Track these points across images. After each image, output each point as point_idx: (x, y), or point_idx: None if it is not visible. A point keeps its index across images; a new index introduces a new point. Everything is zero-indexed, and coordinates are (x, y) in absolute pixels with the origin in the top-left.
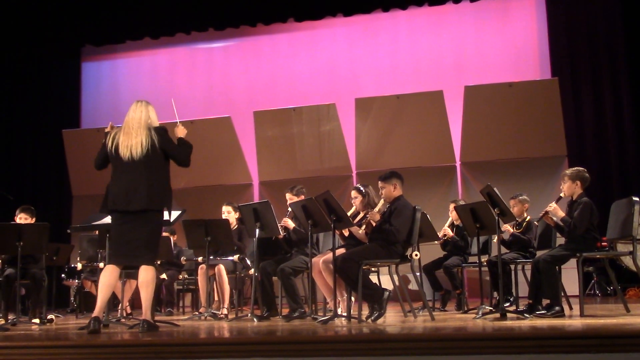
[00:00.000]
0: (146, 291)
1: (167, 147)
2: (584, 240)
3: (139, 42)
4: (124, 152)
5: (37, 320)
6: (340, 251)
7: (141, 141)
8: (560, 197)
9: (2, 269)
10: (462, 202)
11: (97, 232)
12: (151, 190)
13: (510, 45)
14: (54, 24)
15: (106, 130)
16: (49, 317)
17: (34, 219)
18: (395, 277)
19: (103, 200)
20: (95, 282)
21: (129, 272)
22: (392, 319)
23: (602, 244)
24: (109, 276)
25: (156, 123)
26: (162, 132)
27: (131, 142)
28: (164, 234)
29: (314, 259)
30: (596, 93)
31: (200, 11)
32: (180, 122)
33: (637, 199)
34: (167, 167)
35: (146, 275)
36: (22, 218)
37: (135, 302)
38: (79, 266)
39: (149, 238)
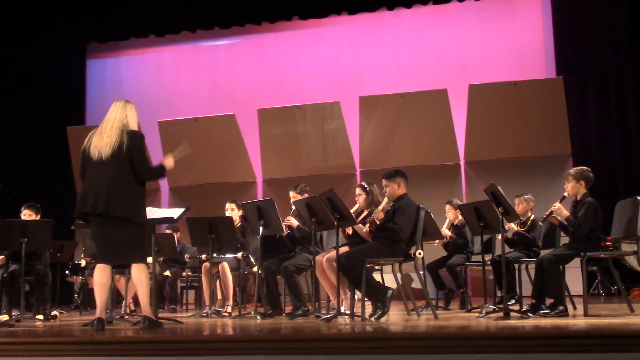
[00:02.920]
0: (140, 289)
1: (134, 154)
2: (588, 240)
3: (143, 39)
4: (94, 153)
5: (40, 317)
6: (344, 249)
7: (110, 142)
8: (564, 197)
9: (7, 266)
10: (456, 202)
11: None
12: (111, 193)
13: (515, 43)
14: (59, 20)
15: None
16: (52, 313)
17: (38, 216)
18: (399, 276)
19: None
20: None
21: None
22: (395, 317)
23: (606, 243)
24: (100, 275)
25: (133, 123)
26: (135, 136)
27: (101, 142)
28: (167, 231)
29: (317, 257)
30: (601, 92)
31: (205, 9)
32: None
33: None
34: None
35: (138, 273)
36: (27, 215)
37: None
38: (83, 263)
39: (129, 238)
